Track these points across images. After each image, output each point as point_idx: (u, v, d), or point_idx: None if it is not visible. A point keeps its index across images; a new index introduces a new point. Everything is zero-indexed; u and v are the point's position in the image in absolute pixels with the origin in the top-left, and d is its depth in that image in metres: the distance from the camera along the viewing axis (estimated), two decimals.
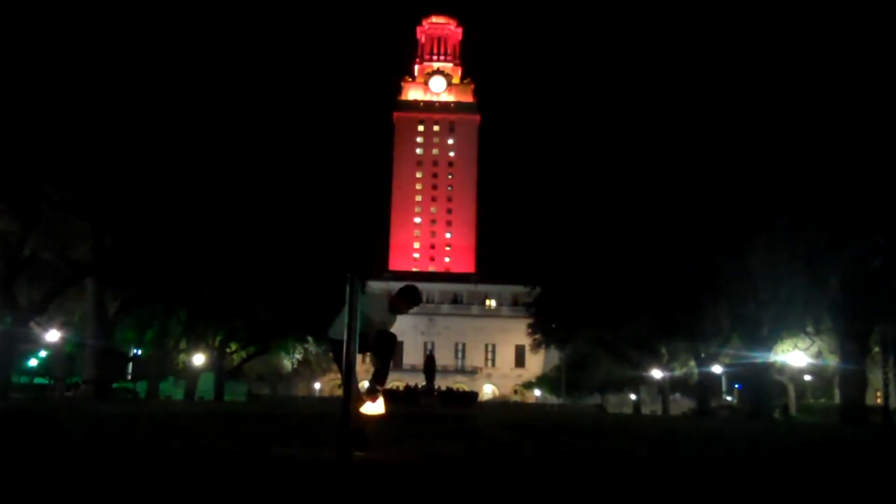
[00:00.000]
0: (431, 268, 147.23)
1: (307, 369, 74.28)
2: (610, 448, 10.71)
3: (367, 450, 8.11)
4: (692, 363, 52.27)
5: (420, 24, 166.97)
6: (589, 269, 48.56)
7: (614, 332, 52.03)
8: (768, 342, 40.33)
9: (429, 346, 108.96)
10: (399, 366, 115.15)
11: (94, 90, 29.17)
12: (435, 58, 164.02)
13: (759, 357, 40.02)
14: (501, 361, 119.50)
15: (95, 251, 33.82)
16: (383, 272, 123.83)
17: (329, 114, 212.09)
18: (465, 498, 5.71)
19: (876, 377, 41.35)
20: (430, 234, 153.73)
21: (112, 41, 30.06)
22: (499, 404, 74.54)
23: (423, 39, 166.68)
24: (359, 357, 7.54)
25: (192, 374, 54.37)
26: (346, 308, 8.09)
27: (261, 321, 49.72)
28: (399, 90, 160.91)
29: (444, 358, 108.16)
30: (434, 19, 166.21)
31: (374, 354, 8.39)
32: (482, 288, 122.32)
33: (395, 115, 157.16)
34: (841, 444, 14.16)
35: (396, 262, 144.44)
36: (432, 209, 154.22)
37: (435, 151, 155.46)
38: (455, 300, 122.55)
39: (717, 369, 51.22)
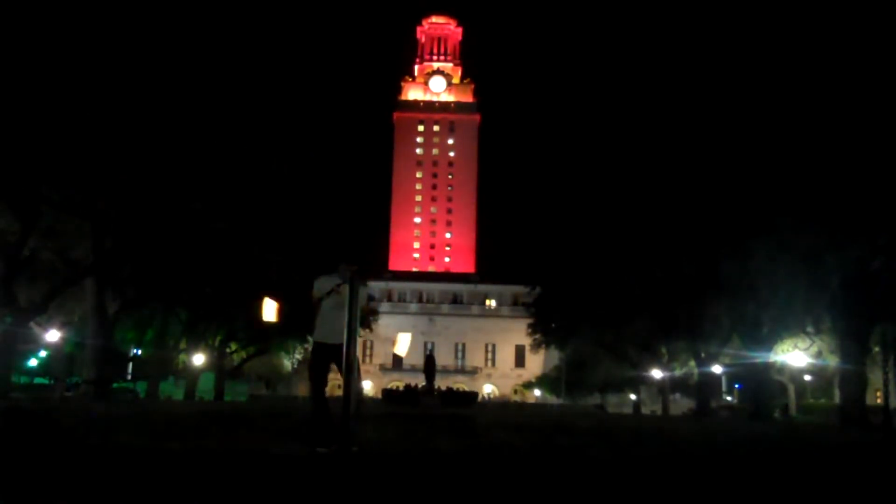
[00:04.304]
0: (431, 268, 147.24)
1: (307, 369, 74.27)
2: (608, 447, 10.71)
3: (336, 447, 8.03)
4: (692, 363, 52.28)
5: (420, 24, 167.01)
6: (589, 269, 48.57)
7: (614, 332, 52.06)
8: (768, 342, 40.34)
9: (429, 346, 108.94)
10: (399, 366, 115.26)
11: (94, 90, 29.16)
12: (435, 58, 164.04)
13: (759, 357, 40.03)
14: (501, 361, 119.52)
15: (95, 251, 33.80)
16: (383, 272, 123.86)
17: (329, 114, 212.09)
18: (464, 493, 5.71)
19: (876, 377, 41.37)
20: (430, 234, 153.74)
21: (113, 41, 30.05)
22: (499, 404, 74.56)
23: (423, 39, 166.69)
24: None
25: (192, 374, 54.41)
26: (347, 307, 8.10)
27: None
28: (399, 90, 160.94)
29: (444, 358, 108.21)
30: (434, 19, 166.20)
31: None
32: (482, 288, 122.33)
33: (395, 115, 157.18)
34: (841, 445, 14.16)
35: (396, 262, 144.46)
36: (432, 209, 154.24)
37: (435, 151, 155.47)
38: (455, 300, 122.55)
39: (717, 369, 51.24)
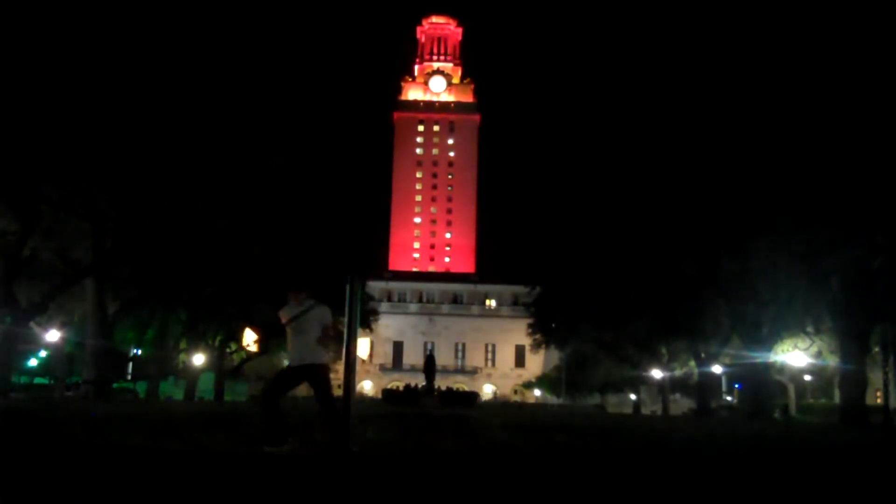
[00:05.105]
0: (431, 268, 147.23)
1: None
2: (609, 447, 10.71)
3: (289, 445, 8.33)
4: (692, 363, 52.28)
5: (420, 24, 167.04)
6: (589, 269, 48.55)
7: (614, 332, 52.05)
8: (768, 342, 40.32)
9: (429, 346, 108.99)
10: (399, 366, 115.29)
11: (94, 89, 29.14)
12: (435, 58, 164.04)
13: (759, 357, 40.01)
14: (501, 361, 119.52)
15: (95, 251, 33.79)
16: (383, 272, 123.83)
17: (329, 114, 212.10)
18: (463, 492, 5.70)
19: (876, 377, 41.35)
20: (430, 234, 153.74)
21: (112, 40, 30.04)
22: (499, 404, 74.54)
23: (423, 39, 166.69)
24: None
25: (192, 374, 54.37)
26: (347, 308, 8.17)
27: (261, 321, 49.64)
28: (399, 90, 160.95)
29: (444, 358, 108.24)
30: (434, 19, 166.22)
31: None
32: (482, 288, 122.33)
33: (395, 115, 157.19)
34: (841, 445, 14.16)
35: (396, 262, 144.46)
36: (432, 209, 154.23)
37: (435, 151, 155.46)
38: (455, 300, 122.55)
39: (717, 369, 51.23)
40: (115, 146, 29.92)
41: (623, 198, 47.48)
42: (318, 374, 8.50)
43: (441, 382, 45.99)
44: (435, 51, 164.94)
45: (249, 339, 9.78)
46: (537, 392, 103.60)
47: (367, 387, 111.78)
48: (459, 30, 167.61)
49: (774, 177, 35.25)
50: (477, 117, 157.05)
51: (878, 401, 44.27)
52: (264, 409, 8.58)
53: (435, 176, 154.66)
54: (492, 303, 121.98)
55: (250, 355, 59.09)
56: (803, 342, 44.73)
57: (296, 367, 8.64)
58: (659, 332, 49.08)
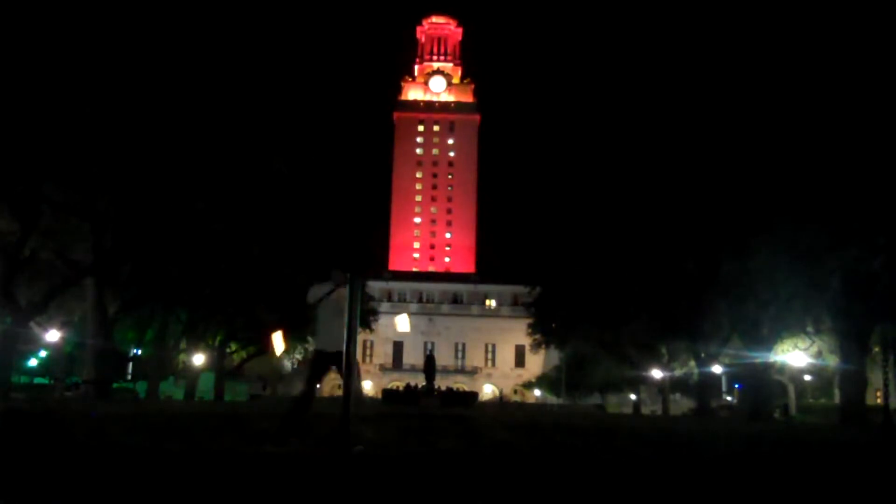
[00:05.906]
0: (431, 268, 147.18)
1: (308, 370, 74.16)
2: (609, 446, 10.71)
3: (292, 445, 8.25)
4: (692, 363, 52.25)
5: (420, 24, 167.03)
6: (589, 269, 48.56)
7: (614, 332, 52.03)
8: (768, 342, 40.32)
9: (429, 346, 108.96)
10: (399, 366, 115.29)
11: (94, 89, 29.16)
12: (435, 58, 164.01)
13: (759, 357, 40.01)
14: (501, 361, 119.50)
15: (95, 251, 33.81)
16: (383, 272, 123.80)
17: (329, 114, 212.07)
18: (463, 491, 5.71)
19: (876, 377, 41.34)
20: (430, 234, 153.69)
21: (113, 41, 30.05)
22: (499, 404, 74.52)
23: (423, 39, 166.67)
24: None
25: (192, 374, 54.39)
26: (346, 309, 8.14)
27: (261, 321, 49.69)
28: (399, 90, 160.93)
29: (444, 358, 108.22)
30: (434, 19, 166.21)
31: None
32: (482, 288, 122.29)
33: (395, 115, 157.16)
34: (841, 445, 14.16)
35: (396, 262, 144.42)
36: (432, 209, 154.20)
37: (435, 151, 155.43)
38: (455, 300, 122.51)
39: (717, 369, 51.20)
40: (116, 146, 29.94)
41: (623, 198, 47.50)
42: (348, 361, 7.83)
43: (441, 382, 46.04)
44: (435, 51, 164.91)
45: (279, 345, 9.55)
46: (537, 392, 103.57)
47: (366, 387, 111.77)
48: (459, 30, 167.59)
49: (775, 177, 35.26)
50: (477, 117, 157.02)
51: (878, 401, 44.26)
52: (300, 404, 8.30)
53: (435, 176, 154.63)
54: (492, 303, 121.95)
55: (251, 355, 59.18)
56: (803, 342, 44.71)
57: (332, 352, 8.07)
58: (659, 332, 49.07)
